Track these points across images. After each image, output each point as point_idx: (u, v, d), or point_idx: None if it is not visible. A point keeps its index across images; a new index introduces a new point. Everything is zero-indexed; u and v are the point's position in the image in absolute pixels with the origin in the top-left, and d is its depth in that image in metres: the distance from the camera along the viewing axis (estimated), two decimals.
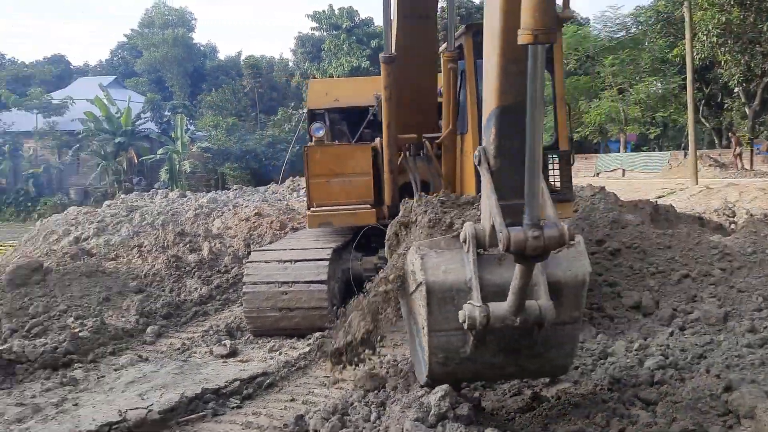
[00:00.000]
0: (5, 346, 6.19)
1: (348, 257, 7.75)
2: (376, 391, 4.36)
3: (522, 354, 3.81)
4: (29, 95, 36.19)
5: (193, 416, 4.68)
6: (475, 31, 6.87)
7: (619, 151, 37.56)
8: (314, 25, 46.82)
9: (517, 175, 3.25)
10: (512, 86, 3.30)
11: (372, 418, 3.98)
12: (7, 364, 5.84)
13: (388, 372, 4.69)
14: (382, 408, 4.03)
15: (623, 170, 32.04)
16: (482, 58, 3.50)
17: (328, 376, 5.56)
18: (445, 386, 3.77)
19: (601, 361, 5.05)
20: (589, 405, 4.16)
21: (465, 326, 3.51)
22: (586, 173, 31.90)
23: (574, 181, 7.74)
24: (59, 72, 58.16)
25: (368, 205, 7.68)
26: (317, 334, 6.50)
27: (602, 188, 10.03)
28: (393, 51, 7.15)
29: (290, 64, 51.68)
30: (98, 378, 5.58)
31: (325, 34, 46.07)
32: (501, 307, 3.46)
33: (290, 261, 6.89)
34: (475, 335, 3.58)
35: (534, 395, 4.40)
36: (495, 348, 3.74)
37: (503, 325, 3.47)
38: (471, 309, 3.46)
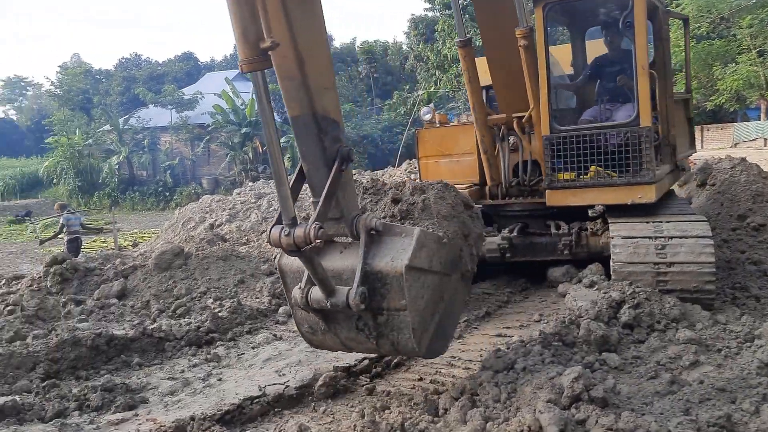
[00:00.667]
0: (155, 325, 6.72)
1: None
2: (505, 372, 4.32)
3: (369, 334, 4.12)
4: (164, 92, 38.71)
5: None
6: (545, 5, 6.79)
7: (759, 119, 34.71)
8: (427, 5, 46.57)
9: (321, 176, 3.83)
10: (293, 99, 3.73)
11: (502, 398, 3.96)
12: (158, 342, 6.34)
13: (516, 353, 4.64)
14: (512, 389, 4.00)
15: (765, 139, 29.60)
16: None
17: (454, 357, 5.60)
18: (578, 368, 3.70)
19: (747, 344, 4.74)
20: (735, 390, 3.92)
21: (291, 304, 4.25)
22: (721, 144, 29.76)
23: (707, 152, 7.50)
24: (189, 69, 61.71)
25: (473, 185, 7.72)
26: None
27: (743, 159, 9.33)
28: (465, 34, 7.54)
29: (404, 47, 51.80)
30: (238, 355, 5.93)
31: (438, 14, 45.70)
32: (317, 291, 3.94)
33: None
34: (317, 313, 4.11)
35: (673, 379, 4.21)
36: (345, 326, 4.17)
37: (331, 307, 3.93)
38: (296, 290, 4.06)
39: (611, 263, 6.27)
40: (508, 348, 4.91)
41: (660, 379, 4.27)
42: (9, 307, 8.00)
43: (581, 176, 6.71)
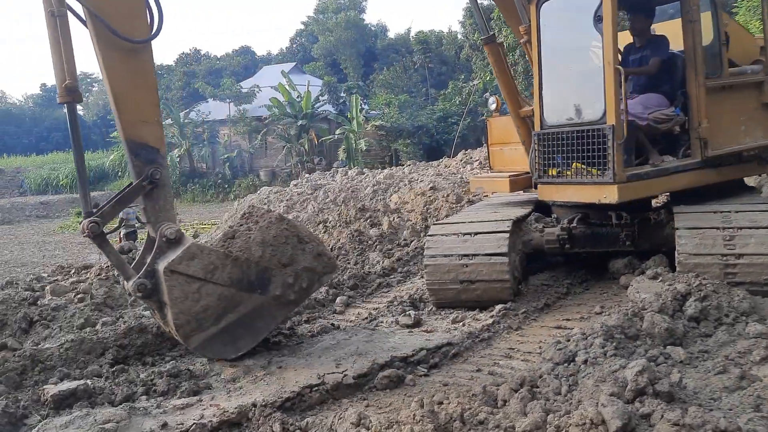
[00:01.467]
0: None
1: (529, 229, 7.64)
2: (565, 364, 4.26)
3: (163, 321, 5.47)
4: (222, 86, 39.47)
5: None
6: (538, 1, 6.71)
7: None
8: None
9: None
10: (117, 126, 4.99)
11: (563, 391, 3.90)
12: None
13: (577, 345, 4.56)
14: (573, 381, 3.94)
15: None
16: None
17: (512, 348, 5.55)
18: (643, 361, 3.61)
19: None
20: None
21: None
22: None
23: None
24: (246, 62, 62.81)
25: (524, 173, 7.67)
26: (499, 307, 6.50)
27: None
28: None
29: (459, 36, 51.35)
30: (297, 344, 6.02)
31: (493, 2, 45.12)
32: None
33: (470, 234, 6.91)
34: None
35: (742, 374, 4.06)
36: (159, 314, 5.44)
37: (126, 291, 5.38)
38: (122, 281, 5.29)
39: (676, 255, 6.09)
40: (569, 340, 4.82)
41: (728, 374, 4.12)
42: (79, 295, 8.33)
43: (562, 172, 6.67)
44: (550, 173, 6.82)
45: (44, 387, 5.02)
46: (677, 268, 6.01)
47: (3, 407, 4.50)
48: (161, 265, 5.09)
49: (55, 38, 4.51)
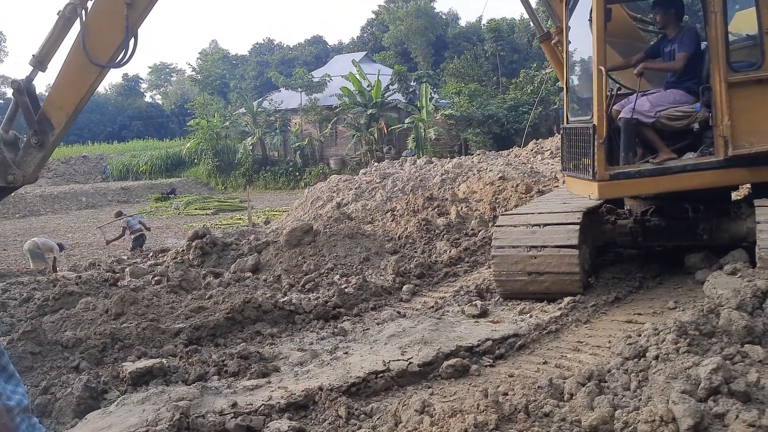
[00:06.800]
0: (286, 299, 7.07)
1: (600, 220, 7.46)
2: (635, 360, 4.15)
3: None
4: (294, 75, 40.09)
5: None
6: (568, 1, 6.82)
7: None
8: None
9: None
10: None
11: (632, 386, 3.81)
12: (288, 314, 6.65)
13: (648, 340, 4.43)
14: (643, 377, 3.84)
15: None
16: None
17: (580, 341, 5.45)
18: (718, 359, 3.48)
19: None
20: None
21: None
22: None
23: None
24: (318, 52, 63.58)
25: None
26: (568, 299, 6.38)
27: None
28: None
29: (531, 24, 50.33)
30: (363, 330, 6.10)
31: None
32: None
33: (539, 225, 6.81)
34: None
35: None
36: None
37: None
38: None
39: (756, 249, 5.81)
40: (640, 335, 4.69)
41: None
42: (156, 278, 8.69)
43: (576, 167, 6.95)
44: (569, 167, 7.20)
45: (123, 364, 5.28)
46: (758, 264, 5.74)
47: (85, 382, 4.76)
48: None
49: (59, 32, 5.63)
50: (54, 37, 5.39)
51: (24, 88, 5.49)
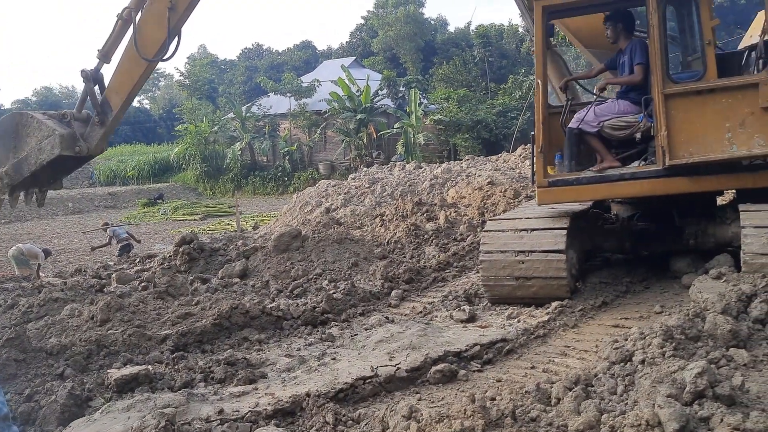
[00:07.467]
0: (274, 304, 7.03)
1: (587, 225, 7.49)
2: (622, 364, 4.17)
3: None
4: (283, 80, 40.07)
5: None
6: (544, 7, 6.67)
7: None
8: None
9: None
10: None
11: (618, 391, 3.83)
12: (276, 320, 6.63)
13: (634, 344, 4.45)
14: (629, 381, 3.85)
15: None
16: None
17: (568, 346, 5.46)
18: (703, 363, 3.50)
19: None
20: None
21: None
22: None
23: None
24: (307, 57, 63.57)
25: None
26: (555, 304, 6.40)
27: None
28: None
29: (520, 30, 50.58)
30: (351, 336, 6.08)
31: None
32: None
33: (526, 230, 6.83)
34: None
35: None
36: None
37: None
38: None
39: (741, 254, 5.86)
40: (626, 339, 4.71)
41: None
42: (143, 284, 8.64)
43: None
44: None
45: (108, 371, 5.24)
46: (742, 268, 5.79)
47: (69, 389, 4.72)
48: None
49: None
50: (114, 35, 6.29)
51: (92, 77, 6.27)
